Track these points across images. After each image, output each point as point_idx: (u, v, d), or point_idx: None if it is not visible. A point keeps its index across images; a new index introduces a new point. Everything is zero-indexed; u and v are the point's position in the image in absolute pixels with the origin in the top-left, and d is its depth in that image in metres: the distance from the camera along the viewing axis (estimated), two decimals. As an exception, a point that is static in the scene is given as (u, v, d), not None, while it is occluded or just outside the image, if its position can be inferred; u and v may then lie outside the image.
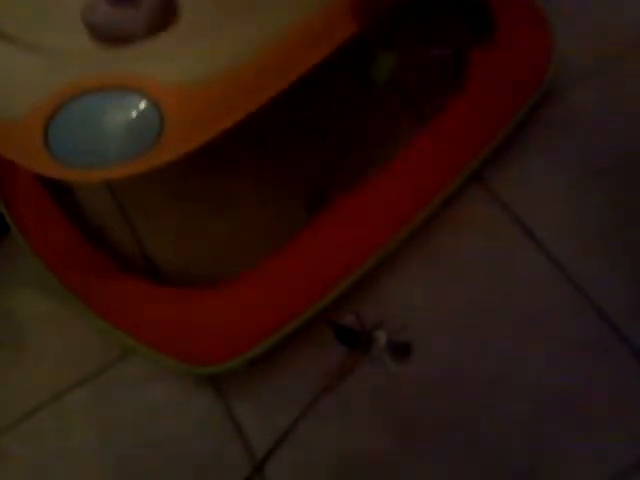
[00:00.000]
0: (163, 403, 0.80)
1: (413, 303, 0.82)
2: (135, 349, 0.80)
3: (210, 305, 0.80)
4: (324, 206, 0.83)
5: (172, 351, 0.78)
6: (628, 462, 0.70)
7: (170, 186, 0.94)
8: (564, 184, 0.88)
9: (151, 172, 0.59)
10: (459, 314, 0.81)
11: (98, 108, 0.58)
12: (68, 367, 0.84)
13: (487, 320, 0.80)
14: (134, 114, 0.58)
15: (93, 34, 0.60)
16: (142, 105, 0.58)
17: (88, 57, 0.60)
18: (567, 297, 0.81)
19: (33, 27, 0.61)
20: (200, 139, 0.59)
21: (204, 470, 0.75)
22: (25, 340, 0.87)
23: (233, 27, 0.61)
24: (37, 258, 0.87)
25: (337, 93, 0.93)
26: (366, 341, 0.79)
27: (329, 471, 0.73)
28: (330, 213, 0.83)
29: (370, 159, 0.86)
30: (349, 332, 0.80)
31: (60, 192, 0.94)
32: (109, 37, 0.60)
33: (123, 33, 0.59)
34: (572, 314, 0.79)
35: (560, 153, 0.91)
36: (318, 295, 0.80)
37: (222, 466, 0.75)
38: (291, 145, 0.93)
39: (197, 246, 0.89)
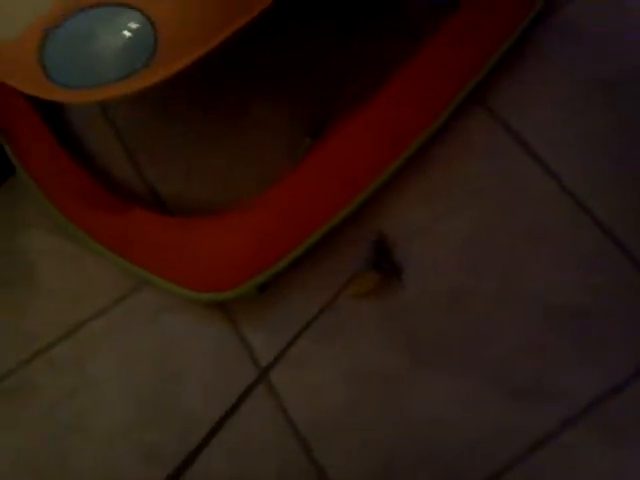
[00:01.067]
0: (177, 331, 0.82)
1: (415, 226, 0.83)
2: (148, 280, 0.82)
3: (219, 233, 0.81)
4: (326, 131, 0.83)
5: (184, 280, 0.80)
6: (629, 370, 0.71)
7: (172, 119, 0.94)
8: (565, 102, 0.87)
9: (146, 90, 0.59)
10: (462, 234, 0.82)
11: (94, 25, 0.59)
12: (82, 301, 0.85)
13: (490, 239, 0.81)
14: (129, 30, 0.59)
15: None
16: (137, 21, 0.58)
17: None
18: (570, 213, 0.81)
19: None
20: (193, 55, 0.59)
21: (219, 393, 0.77)
22: (38, 278, 0.89)
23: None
24: (45, 197, 0.89)
25: (334, 17, 0.92)
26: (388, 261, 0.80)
27: (335, 386, 0.75)
28: (332, 139, 0.83)
29: (369, 83, 0.85)
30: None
31: (64, 132, 0.95)
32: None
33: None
34: (575, 230, 0.80)
35: (561, 71, 0.89)
36: (322, 220, 0.80)
37: (235, 388, 0.77)
38: (291, 73, 0.92)
39: (203, 177, 0.90)
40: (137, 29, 0.58)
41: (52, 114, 0.94)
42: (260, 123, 0.91)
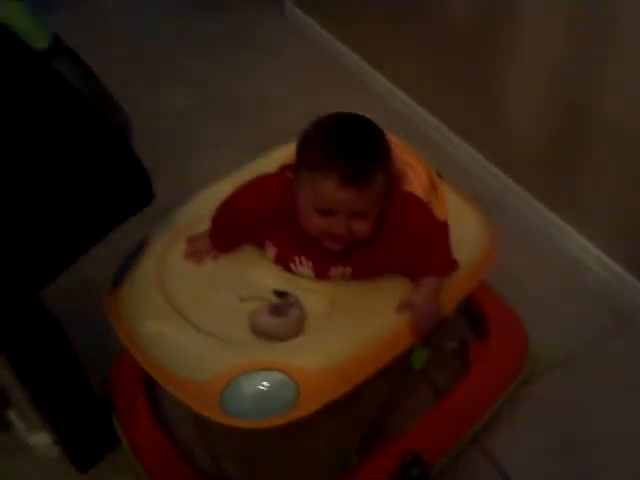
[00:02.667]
0: None
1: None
2: None
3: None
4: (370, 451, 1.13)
5: None
6: None
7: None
8: (538, 448, 1.22)
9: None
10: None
11: (257, 381, 0.91)
12: None
13: None
14: (279, 386, 0.91)
15: (255, 332, 0.95)
16: (284, 381, 0.91)
17: (252, 346, 0.94)
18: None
19: (220, 324, 0.96)
20: (322, 404, 0.92)
21: None
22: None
23: (343, 335, 0.96)
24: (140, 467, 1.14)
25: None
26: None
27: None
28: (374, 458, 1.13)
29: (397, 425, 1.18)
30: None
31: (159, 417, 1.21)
32: (266, 335, 0.95)
33: (277, 335, 0.94)
34: None
35: (535, 425, 1.26)
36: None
37: None
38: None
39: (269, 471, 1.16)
40: (285, 384, 0.90)
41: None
42: (319, 436, 1.20)
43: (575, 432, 1.26)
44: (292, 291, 1.01)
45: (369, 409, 1.15)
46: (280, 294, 1.00)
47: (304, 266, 1.02)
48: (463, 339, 1.30)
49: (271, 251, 1.03)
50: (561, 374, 1.35)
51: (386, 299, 1.01)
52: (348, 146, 0.90)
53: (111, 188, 0.89)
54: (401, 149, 1.11)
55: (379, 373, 0.99)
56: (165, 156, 1.82)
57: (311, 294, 1.01)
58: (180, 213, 1.13)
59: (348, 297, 1.01)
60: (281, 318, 0.95)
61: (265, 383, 0.91)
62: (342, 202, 0.90)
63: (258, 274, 1.04)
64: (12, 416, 1.21)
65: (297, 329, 0.96)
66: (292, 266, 1.02)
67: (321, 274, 1.02)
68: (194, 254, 1.06)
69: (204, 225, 1.08)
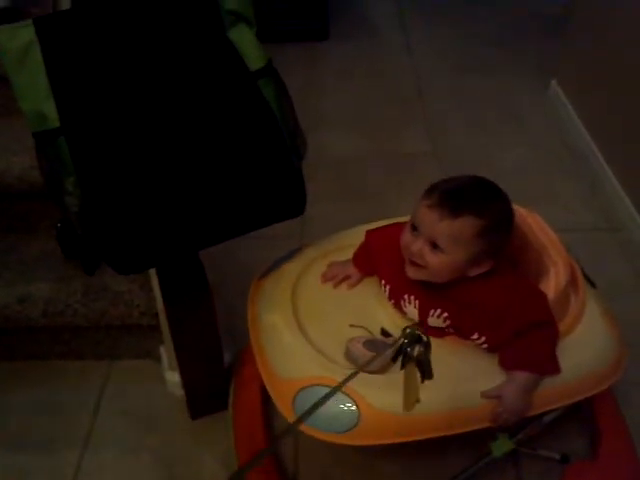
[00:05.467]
0: None
1: None
2: None
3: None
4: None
5: None
6: None
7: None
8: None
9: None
10: None
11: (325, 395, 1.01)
12: None
13: None
14: (344, 411, 1.00)
15: (346, 356, 1.05)
16: (349, 405, 1.00)
17: (338, 367, 1.04)
18: None
19: (323, 339, 1.09)
20: (374, 443, 1.00)
21: None
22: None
23: (423, 391, 1.02)
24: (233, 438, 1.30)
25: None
26: None
27: None
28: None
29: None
30: None
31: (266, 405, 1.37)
32: (353, 362, 1.04)
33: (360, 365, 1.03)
34: None
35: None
36: None
37: None
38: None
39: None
40: (349, 408, 0.99)
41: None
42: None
43: None
44: (396, 335, 1.09)
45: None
46: (385, 334, 1.09)
47: (411, 304, 1.10)
48: (565, 454, 1.25)
49: (387, 288, 1.14)
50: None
51: (477, 373, 1.05)
52: (460, 189, 1.03)
53: (273, 194, 1.06)
54: (552, 245, 1.13)
55: (445, 439, 1.03)
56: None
57: (411, 344, 1.09)
58: (335, 238, 1.29)
59: (442, 359, 1.06)
60: (370, 352, 1.04)
61: (334, 402, 1.01)
62: (426, 221, 1.01)
63: (375, 311, 1.15)
64: (162, 351, 1.47)
65: (381, 368, 1.04)
66: (402, 303, 1.11)
67: (423, 313, 1.09)
68: (331, 279, 1.20)
69: (349, 253, 1.21)
